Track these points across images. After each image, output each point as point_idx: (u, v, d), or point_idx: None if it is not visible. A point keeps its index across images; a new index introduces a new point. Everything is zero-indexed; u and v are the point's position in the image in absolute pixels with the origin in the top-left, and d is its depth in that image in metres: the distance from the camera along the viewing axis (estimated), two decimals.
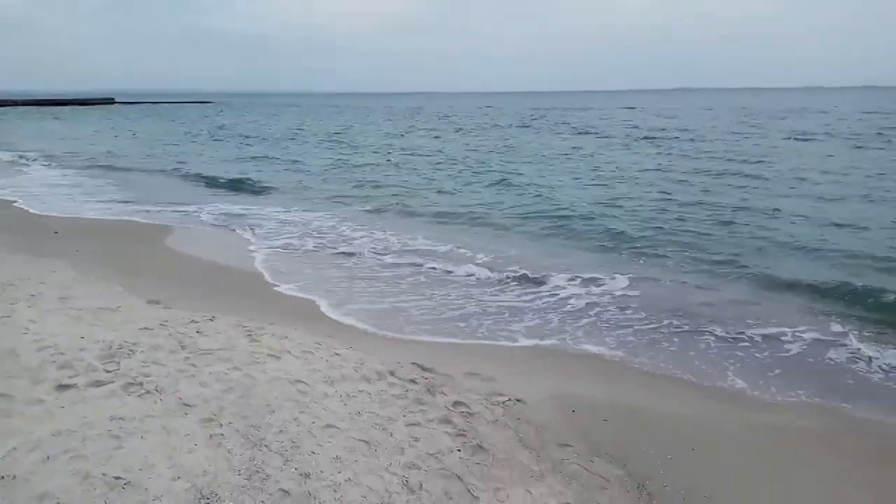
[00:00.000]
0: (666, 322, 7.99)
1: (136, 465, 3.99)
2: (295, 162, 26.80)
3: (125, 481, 3.82)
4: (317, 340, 6.61)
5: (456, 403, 5.36)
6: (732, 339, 7.47)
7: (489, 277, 9.96)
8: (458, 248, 11.84)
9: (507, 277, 9.93)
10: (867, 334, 7.48)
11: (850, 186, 17.73)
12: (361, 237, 12.90)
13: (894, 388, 6.32)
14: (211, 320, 6.94)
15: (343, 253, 11.57)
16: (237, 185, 20.18)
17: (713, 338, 7.51)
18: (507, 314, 8.31)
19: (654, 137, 36.11)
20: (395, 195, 17.99)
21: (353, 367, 5.85)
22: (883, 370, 6.66)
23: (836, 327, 7.71)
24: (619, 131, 42.01)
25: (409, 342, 7.27)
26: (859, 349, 7.07)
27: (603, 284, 9.49)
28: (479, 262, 10.89)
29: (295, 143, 37.55)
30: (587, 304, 8.70)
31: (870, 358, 6.88)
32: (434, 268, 10.50)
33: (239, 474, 4.01)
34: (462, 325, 7.93)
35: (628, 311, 8.39)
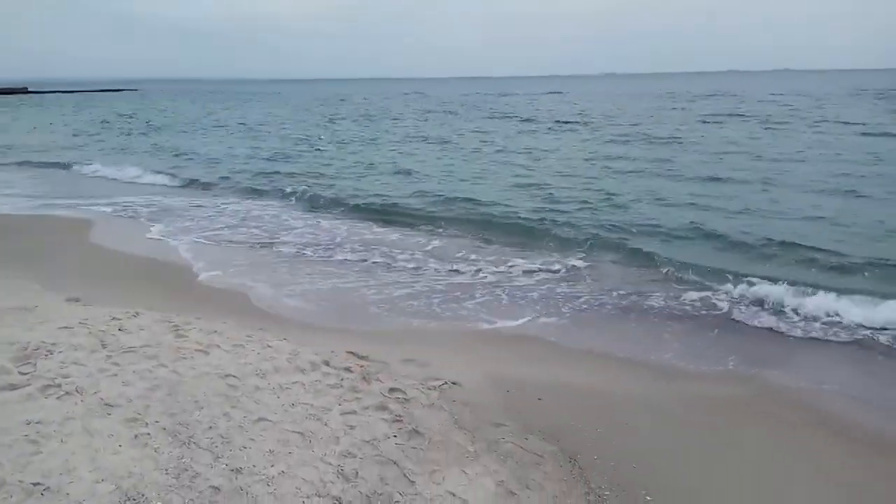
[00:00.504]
0: (595, 302, 8.22)
1: (56, 469, 3.81)
2: (222, 152, 26.01)
3: (44, 487, 3.64)
4: (248, 333, 6.47)
5: (392, 390, 5.34)
6: (660, 316, 7.74)
7: (424, 267, 9.97)
8: (391, 237, 11.81)
9: (442, 265, 9.97)
10: (779, 307, 7.86)
11: (756, 171, 18.23)
12: (294, 227, 12.70)
13: (808, 357, 6.70)
14: (134, 316, 6.68)
15: (275, 243, 11.35)
16: (160, 177, 19.42)
17: (642, 315, 7.78)
18: (443, 300, 8.34)
19: (574, 122, 36.56)
20: (323, 184, 17.71)
21: (286, 359, 5.74)
22: (796, 340, 7.05)
23: (753, 300, 8.09)
24: (544, 116, 42.42)
25: (344, 331, 7.20)
26: (774, 322, 7.45)
27: (535, 269, 9.65)
28: (413, 253, 10.89)
29: (219, 132, 36.33)
30: (520, 287, 8.83)
31: (785, 329, 7.26)
32: (364, 259, 10.44)
33: (167, 473, 3.88)
34: (398, 311, 7.92)
35: (557, 293, 8.55)
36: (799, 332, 7.19)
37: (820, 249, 10.01)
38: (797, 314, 7.60)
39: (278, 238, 11.69)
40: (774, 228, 11.50)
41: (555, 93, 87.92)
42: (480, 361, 6.28)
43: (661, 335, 7.18)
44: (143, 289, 8.37)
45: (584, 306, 8.09)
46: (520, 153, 23.68)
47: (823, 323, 7.37)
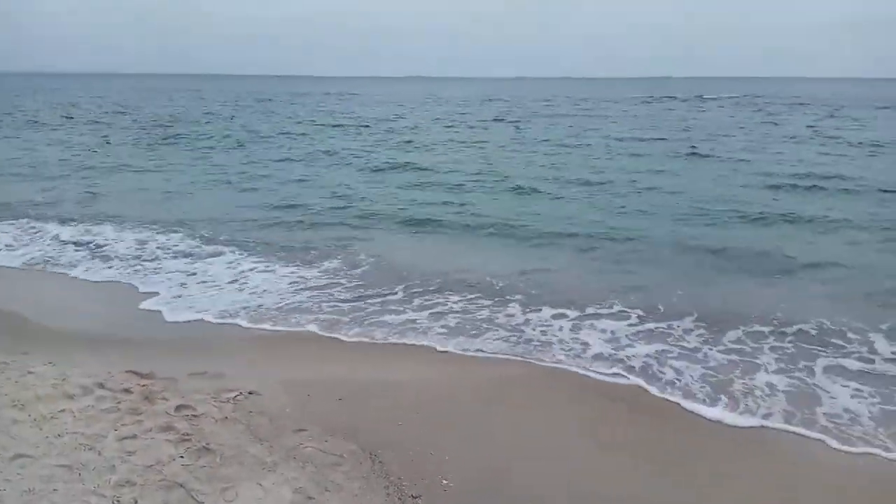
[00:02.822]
0: (382, 297, 8.27)
1: None
2: None
3: None
4: (4, 360, 5.64)
5: (179, 407, 4.97)
6: (436, 307, 7.90)
7: (209, 268, 9.44)
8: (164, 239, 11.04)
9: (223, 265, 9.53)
10: (531, 302, 8.07)
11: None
12: (71, 233, 11.34)
13: (565, 341, 6.97)
14: None
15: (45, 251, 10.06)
16: None
17: (419, 308, 7.90)
18: (233, 304, 7.95)
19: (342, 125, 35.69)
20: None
21: (51, 386, 5.09)
22: (545, 329, 7.29)
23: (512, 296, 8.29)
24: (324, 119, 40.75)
25: (125, 344, 6.61)
26: (532, 314, 7.66)
27: (316, 266, 9.54)
28: (189, 251, 10.30)
29: None
30: (307, 287, 8.63)
31: (540, 321, 7.49)
32: (140, 260, 9.66)
33: None
34: (186, 318, 7.44)
35: (348, 290, 8.52)
36: (543, 323, 7.82)
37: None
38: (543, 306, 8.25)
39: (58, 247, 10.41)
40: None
41: (352, 94, 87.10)
42: (278, 367, 6.08)
43: (441, 326, 7.34)
44: None
45: (373, 303, 8.07)
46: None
47: None
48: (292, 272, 9.27)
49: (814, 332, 7.09)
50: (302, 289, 8.56)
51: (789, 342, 6.85)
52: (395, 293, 8.38)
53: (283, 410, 5.15)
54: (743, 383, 5.97)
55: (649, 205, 13.91)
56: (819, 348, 6.71)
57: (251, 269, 9.42)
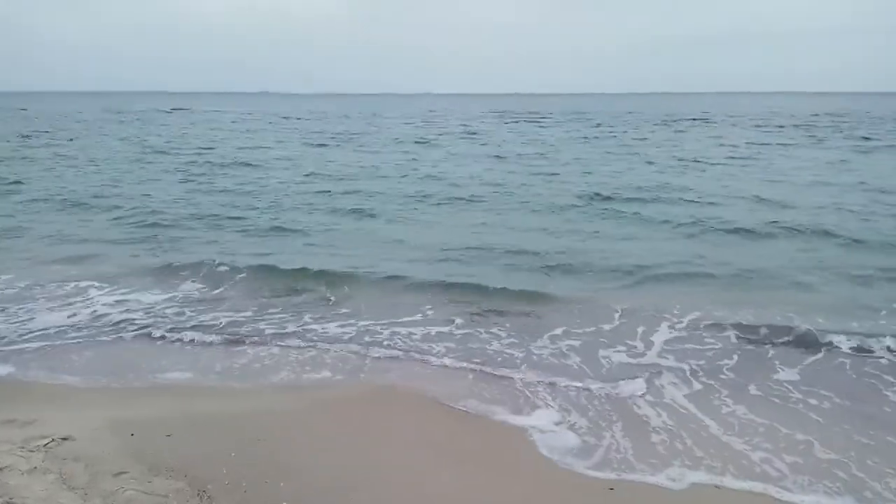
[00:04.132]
0: (212, 326, 8.04)
1: None
2: None
3: None
4: None
5: None
6: (274, 334, 7.84)
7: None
8: None
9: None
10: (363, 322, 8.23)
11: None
12: None
13: (401, 358, 7.17)
14: None
15: None
16: None
17: (254, 337, 7.76)
18: (45, 340, 7.35)
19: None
20: None
21: None
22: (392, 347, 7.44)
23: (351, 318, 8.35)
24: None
25: None
26: (376, 336, 7.73)
27: (131, 295, 9.10)
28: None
29: None
30: (127, 318, 8.19)
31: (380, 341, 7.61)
32: None
33: None
34: None
35: (173, 321, 8.19)
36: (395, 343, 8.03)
37: None
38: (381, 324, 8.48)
39: None
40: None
41: (183, 108, 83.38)
42: (99, 408, 5.68)
43: (272, 354, 7.27)
44: None
45: (199, 332, 7.80)
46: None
47: None
48: (114, 304, 8.72)
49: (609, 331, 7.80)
50: (119, 326, 8.04)
51: (587, 343, 7.44)
52: (221, 322, 8.16)
53: (101, 454, 4.83)
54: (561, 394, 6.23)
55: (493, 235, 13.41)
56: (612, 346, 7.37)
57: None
